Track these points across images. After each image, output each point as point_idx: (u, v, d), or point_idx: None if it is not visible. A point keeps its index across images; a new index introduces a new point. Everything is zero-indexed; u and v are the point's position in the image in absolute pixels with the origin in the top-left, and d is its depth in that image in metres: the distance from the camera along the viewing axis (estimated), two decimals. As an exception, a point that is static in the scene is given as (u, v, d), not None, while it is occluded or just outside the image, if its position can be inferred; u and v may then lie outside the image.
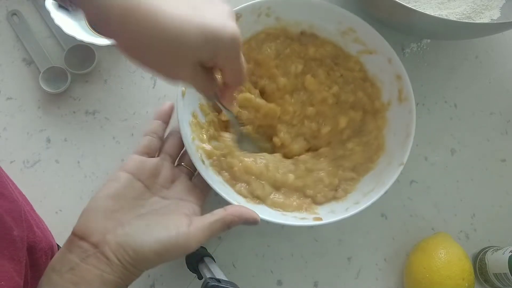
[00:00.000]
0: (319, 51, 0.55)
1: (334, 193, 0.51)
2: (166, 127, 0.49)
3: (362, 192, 0.49)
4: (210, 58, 0.37)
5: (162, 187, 0.46)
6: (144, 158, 0.46)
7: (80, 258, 0.38)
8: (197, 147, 0.48)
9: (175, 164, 0.49)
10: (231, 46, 0.36)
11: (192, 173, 0.49)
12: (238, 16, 0.51)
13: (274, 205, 0.49)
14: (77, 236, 0.39)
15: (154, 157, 0.47)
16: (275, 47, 0.55)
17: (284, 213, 0.48)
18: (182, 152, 0.50)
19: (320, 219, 0.47)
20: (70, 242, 0.40)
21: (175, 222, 0.41)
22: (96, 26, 0.34)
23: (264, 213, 0.45)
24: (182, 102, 0.48)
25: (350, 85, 0.54)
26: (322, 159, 0.53)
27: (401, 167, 0.47)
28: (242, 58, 0.39)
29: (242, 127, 0.52)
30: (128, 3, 0.32)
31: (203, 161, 0.47)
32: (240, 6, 0.51)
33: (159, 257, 0.39)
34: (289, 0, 0.52)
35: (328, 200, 0.50)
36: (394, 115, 0.52)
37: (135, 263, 0.39)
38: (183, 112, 0.47)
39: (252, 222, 0.43)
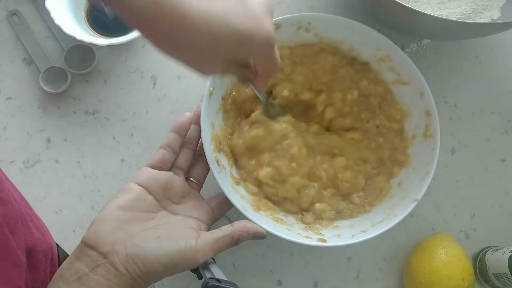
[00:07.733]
0: (370, 88, 0.54)
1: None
2: (182, 141, 0.48)
3: (372, 222, 0.49)
4: (243, 58, 0.38)
5: (172, 202, 0.45)
6: (157, 172, 0.45)
7: (89, 268, 0.38)
8: (214, 147, 0.48)
9: (185, 177, 0.49)
10: (264, 48, 0.37)
11: (200, 186, 0.49)
12: (277, 26, 0.50)
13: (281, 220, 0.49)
14: (87, 245, 0.39)
15: (167, 170, 0.46)
16: (331, 60, 0.54)
17: (289, 227, 0.48)
18: (191, 164, 0.49)
19: (324, 240, 0.46)
20: (79, 250, 0.39)
21: (184, 236, 0.41)
22: (127, 22, 0.34)
23: (269, 224, 0.45)
24: (208, 102, 0.47)
25: (379, 139, 0.54)
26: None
27: (415, 204, 0.47)
28: (276, 53, 0.39)
29: (274, 101, 0.52)
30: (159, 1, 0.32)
31: (217, 162, 0.47)
32: (281, 17, 0.50)
33: (167, 270, 0.39)
34: (331, 19, 0.52)
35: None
36: (417, 150, 0.51)
37: (144, 275, 0.39)
38: (207, 113, 0.47)
39: (259, 236, 0.44)
